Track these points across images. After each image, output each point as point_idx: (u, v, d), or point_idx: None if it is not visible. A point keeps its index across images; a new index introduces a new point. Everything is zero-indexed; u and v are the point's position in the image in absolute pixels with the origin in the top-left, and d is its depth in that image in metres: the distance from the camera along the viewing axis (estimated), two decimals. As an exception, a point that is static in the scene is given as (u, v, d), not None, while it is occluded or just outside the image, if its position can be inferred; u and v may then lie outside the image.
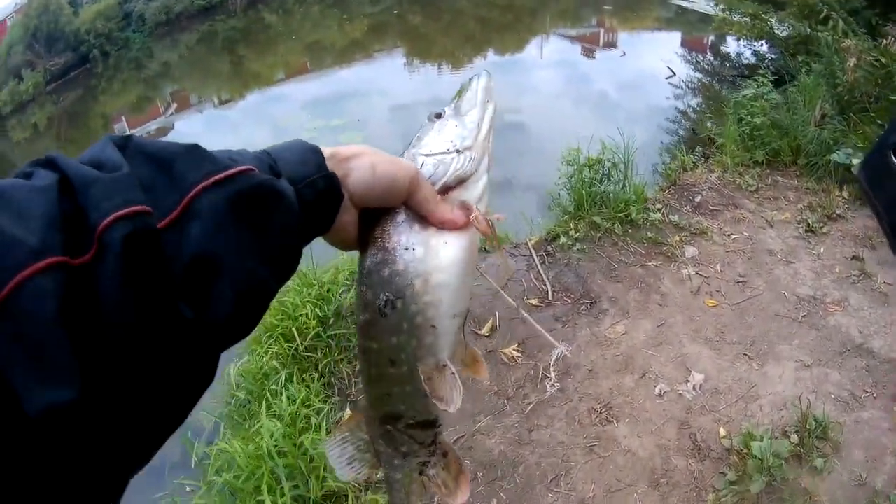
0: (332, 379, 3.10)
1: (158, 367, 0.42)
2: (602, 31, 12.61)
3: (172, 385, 0.44)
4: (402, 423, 0.72)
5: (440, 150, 0.68)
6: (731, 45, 11.22)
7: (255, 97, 11.94)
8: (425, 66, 11.57)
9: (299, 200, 0.53)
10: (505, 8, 13.69)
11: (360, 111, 9.60)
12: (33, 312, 0.34)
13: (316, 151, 0.57)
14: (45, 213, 0.37)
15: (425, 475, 0.78)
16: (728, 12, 8.12)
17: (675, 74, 8.88)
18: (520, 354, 3.18)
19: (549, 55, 11.25)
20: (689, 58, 10.33)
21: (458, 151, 0.67)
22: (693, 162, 5.17)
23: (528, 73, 10.41)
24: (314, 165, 0.56)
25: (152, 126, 12.45)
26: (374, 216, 0.64)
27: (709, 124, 6.51)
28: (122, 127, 13.10)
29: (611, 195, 4.38)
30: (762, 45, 8.51)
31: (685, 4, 13.00)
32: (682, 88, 8.64)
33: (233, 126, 10.73)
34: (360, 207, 0.62)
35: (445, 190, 0.66)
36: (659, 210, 4.32)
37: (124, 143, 0.45)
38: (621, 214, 4.21)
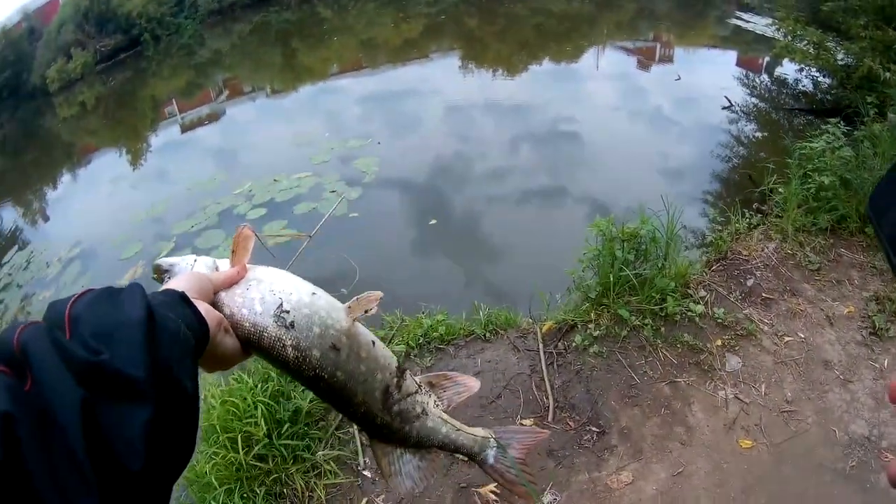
0: (285, 490, 2.68)
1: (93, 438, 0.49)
2: (658, 45, 12.41)
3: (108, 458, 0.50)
4: (395, 390, 0.87)
5: (192, 268, 0.87)
6: (787, 68, 11.00)
7: (309, 89, 11.95)
8: (480, 71, 11.48)
9: (148, 298, 0.62)
10: (561, 17, 13.56)
11: (415, 110, 9.57)
12: None
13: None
14: None
15: (445, 408, 0.93)
16: (790, 38, 7.87)
17: (731, 105, 8.65)
18: (496, 499, 2.61)
19: (604, 67, 11.08)
20: (746, 81, 10.10)
21: (195, 262, 0.88)
22: (748, 224, 4.39)
23: (584, 84, 10.30)
24: (145, 292, 0.64)
25: (204, 110, 12.54)
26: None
27: (766, 157, 6.27)
28: (172, 110, 13.21)
29: (645, 279, 3.45)
30: (824, 75, 8.23)
31: (742, 24, 12.77)
32: (737, 113, 8.41)
33: (286, 114, 10.79)
34: (208, 300, 0.78)
35: (216, 269, 0.87)
36: (702, 300, 3.48)
37: None
38: (655, 307, 3.37)
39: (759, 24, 12.29)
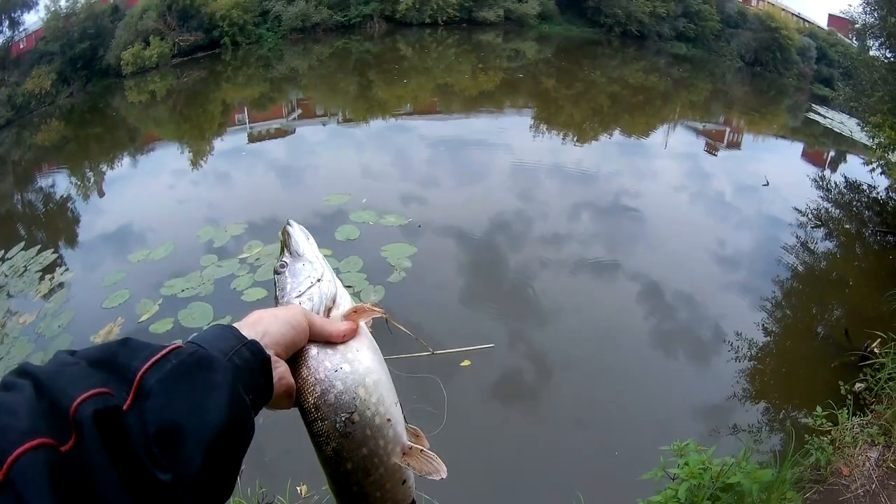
0: None
1: None
2: (728, 129, 12.81)
3: None
4: None
5: (305, 287, 0.82)
6: (853, 165, 11.20)
7: (380, 123, 12.54)
8: (551, 133, 11.95)
9: (233, 367, 0.62)
10: (637, 89, 14.05)
11: (482, 161, 10.04)
12: (29, 485, 0.42)
13: (230, 327, 0.68)
14: (28, 408, 0.46)
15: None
16: (885, 150, 7.90)
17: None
18: None
19: (673, 145, 11.50)
20: (819, 182, 10.28)
21: (318, 281, 0.82)
22: (850, 422, 3.67)
23: (650, 160, 10.69)
24: (233, 338, 0.65)
25: (273, 125, 13.21)
26: (291, 366, 0.74)
27: (837, 276, 6.33)
28: (243, 118, 13.91)
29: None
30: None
31: (820, 119, 13.08)
32: (807, 216, 8.50)
33: (356, 145, 11.35)
34: (287, 357, 0.73)
35: (327, 312, 0.81)
36: None
37: (72, 353, 0.56)
38: None
39: (835, 119, 12.57)
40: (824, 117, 13.13)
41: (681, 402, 4.77)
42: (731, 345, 5.56)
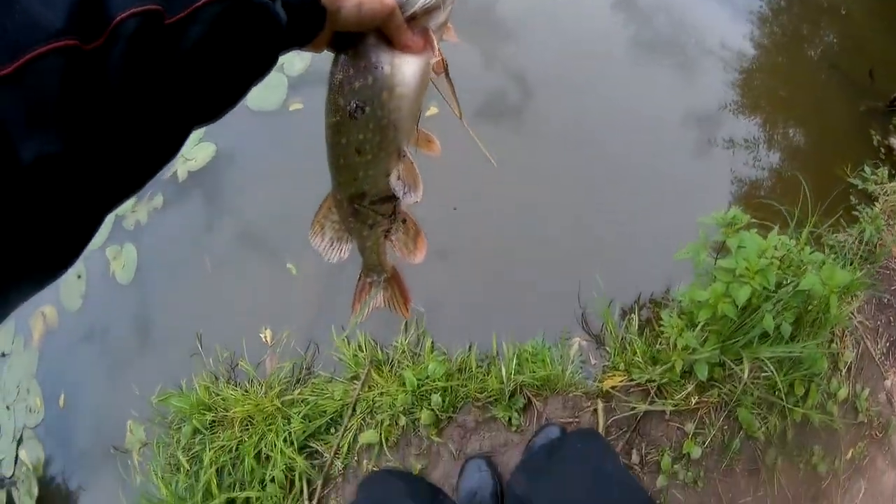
0: None
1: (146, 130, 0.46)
2: None
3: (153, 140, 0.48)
4: (367, 201, 0.81)
5: None
6: None
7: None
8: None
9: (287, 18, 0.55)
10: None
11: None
12: (41, 82, 0.38)
13: None
14: (67, 4, 0.40)
15: (389, 238, 0.90)
16: None
17: None
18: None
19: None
20: None
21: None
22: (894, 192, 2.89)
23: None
24: None
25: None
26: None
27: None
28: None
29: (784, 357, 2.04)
30: None
31: None
32: None
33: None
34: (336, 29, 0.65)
35: (413, 17, 0.70)
36: (846, 367, 2.28)
37: None
38: (793, 404, 2.07)
39: None
40: None
41: (670, 110, 3.77)
42: (718, 56, 4.23)
